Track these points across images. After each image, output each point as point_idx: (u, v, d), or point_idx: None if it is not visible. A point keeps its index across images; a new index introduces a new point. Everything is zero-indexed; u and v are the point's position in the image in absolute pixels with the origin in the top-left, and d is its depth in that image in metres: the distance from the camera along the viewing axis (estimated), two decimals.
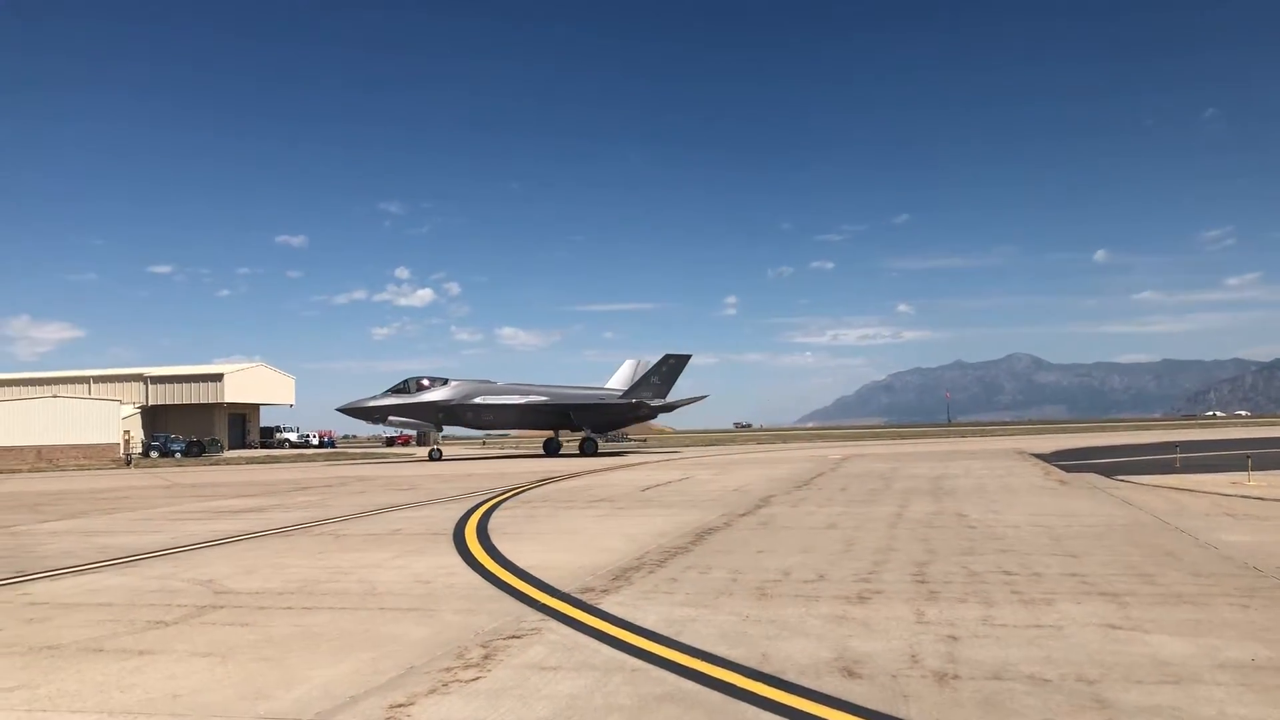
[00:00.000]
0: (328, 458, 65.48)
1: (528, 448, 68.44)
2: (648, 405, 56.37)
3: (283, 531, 15.79)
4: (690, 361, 59.19)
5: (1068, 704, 5.36)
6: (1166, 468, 26.09)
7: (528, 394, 55.87)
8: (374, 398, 52.28)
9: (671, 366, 58.64)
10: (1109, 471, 25.75)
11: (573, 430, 56.34)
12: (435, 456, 51.75)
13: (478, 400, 53.41)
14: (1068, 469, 27.75)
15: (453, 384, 53.31)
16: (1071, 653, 6.46)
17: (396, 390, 52.22)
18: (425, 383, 52.67)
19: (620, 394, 58.10)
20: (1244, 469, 22.06)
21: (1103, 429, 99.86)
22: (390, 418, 52.23)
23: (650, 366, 59.58)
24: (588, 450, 53.19)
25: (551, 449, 56.63)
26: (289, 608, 8.90)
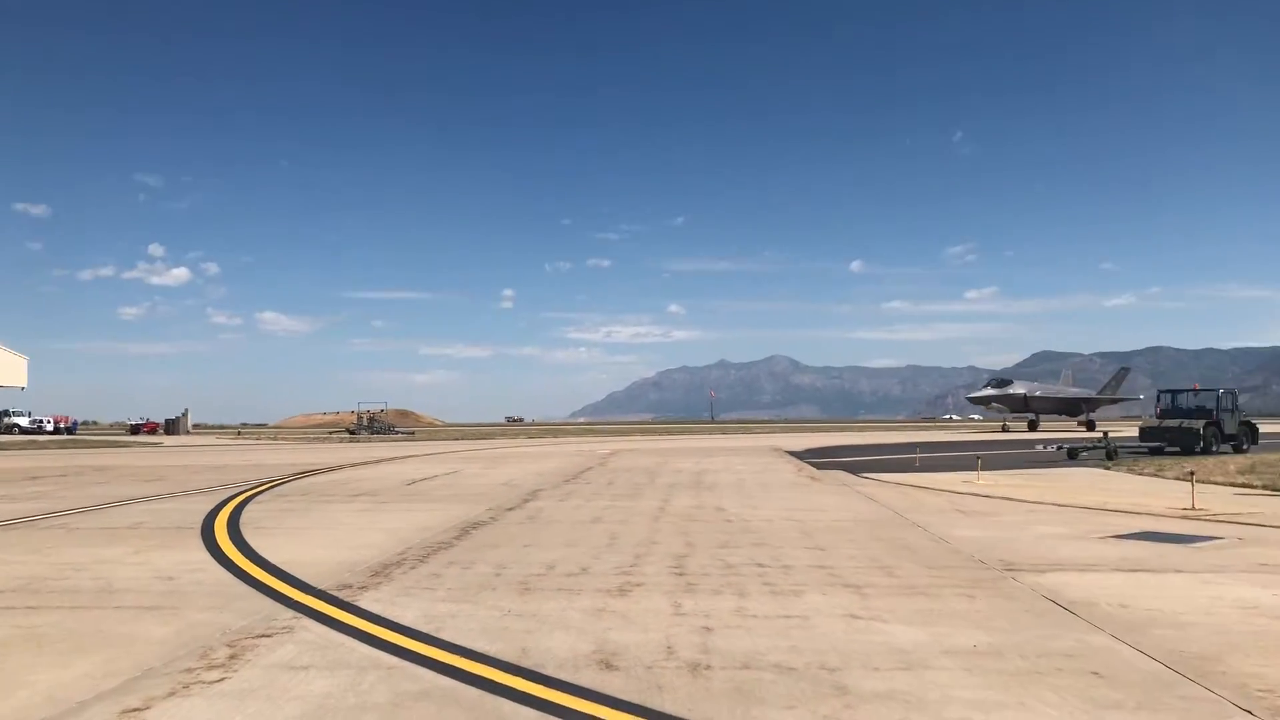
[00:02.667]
0: (63, 445, 60.68)
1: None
2: None
3: (7, 524, 14.50)
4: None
5: (811, 691, 5.65)
6: (907, 466, 27.94)
7: None
8: None
9: None
10: (856, 469, 27.32)
11: None
12: None
13: None
14: (819, 466, 29.24)
15: None
16: (816, 642, 6.80)
17: None
18: None
19: None
20: (975, 468, 23.90)
21: (851, 429, 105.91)
22: None
23: None
24: None
25: None
26: (9, 608, 8.18)
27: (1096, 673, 5.96)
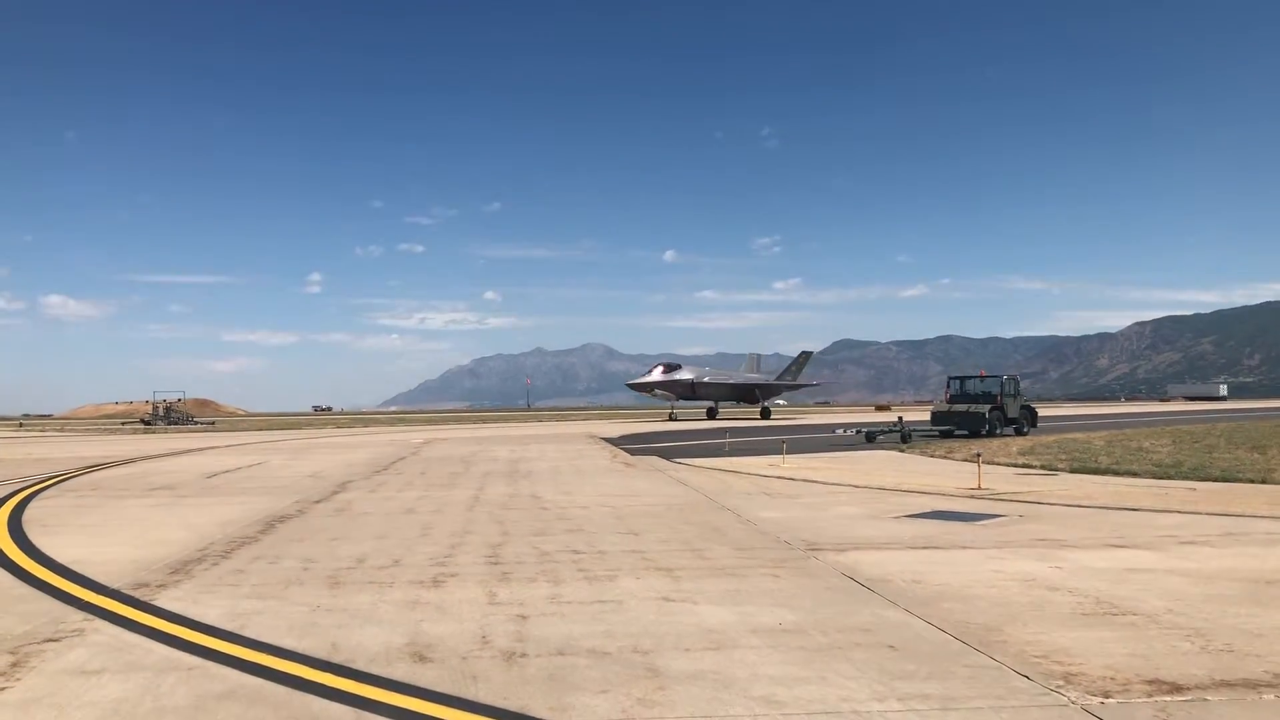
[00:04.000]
0: None
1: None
2: None
3: None
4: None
5: (624, 674, 5.76)
6: (717, 451, 28.69)
7: None
8: None
9: None
10: (669, 454, 27.86)
11: None
12: None
13: None
14: (634, 452, 29.65)
15: None
16: (630, 626, 6.93)
17: None
18: None
19: None
20: (780, 453, 24.76)
21: (664, 414, 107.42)
22: None
23: None
24: None
25: None
26: None
27: (891, 645, 6.32)
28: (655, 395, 78.52)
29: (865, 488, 16.86)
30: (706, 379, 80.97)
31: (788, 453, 24.67)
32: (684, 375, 78.20)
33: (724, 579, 8.65)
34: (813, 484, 17.73)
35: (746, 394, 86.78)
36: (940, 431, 36.11)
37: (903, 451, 27.72)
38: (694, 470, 21.56)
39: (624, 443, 36.62)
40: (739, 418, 78.85)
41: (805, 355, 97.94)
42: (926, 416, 40.67)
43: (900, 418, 38.56)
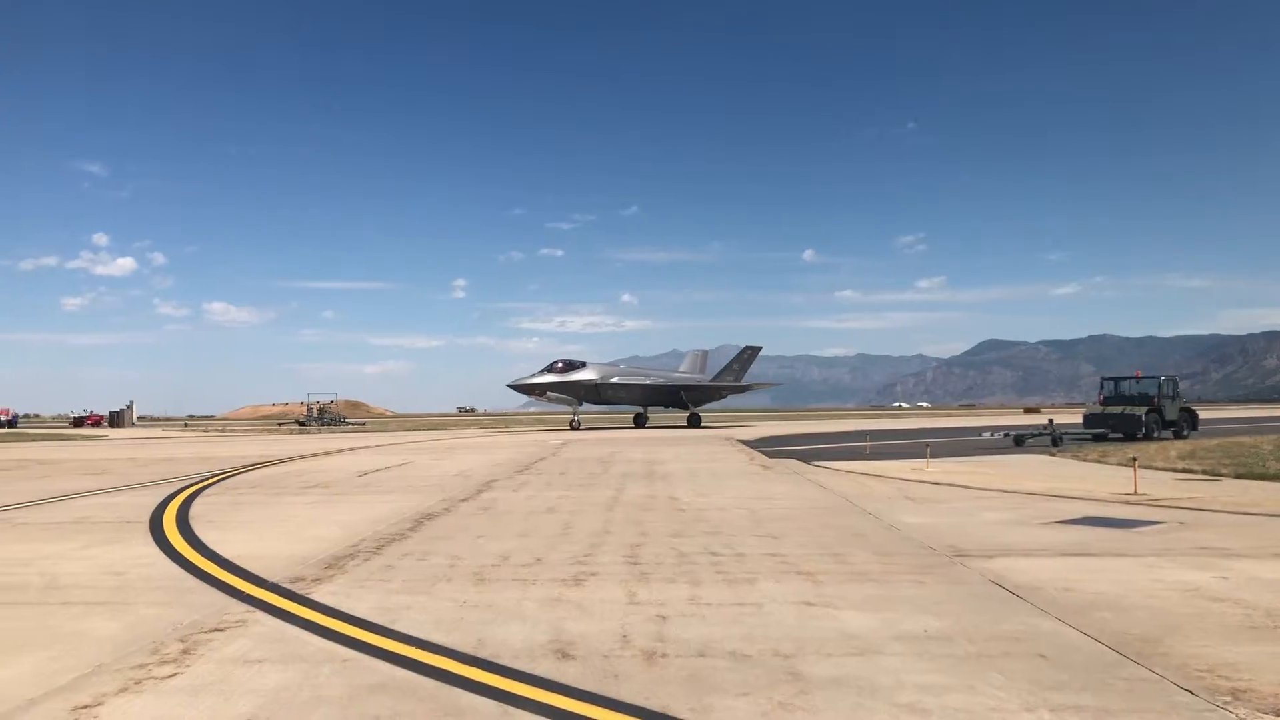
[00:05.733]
0: (4, 438, 59.38)
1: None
2: None
3: None
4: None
5: (765, 677, 5.72)
6: (857, 454, 28.21)
7: None
8: None
9: None
10: (807, 457, 27.53)
11: None
12: None
13: None
14: (770, 455, 29.40)
15: None
16: (770, 629, 6.88)
17: None
18: None
19: None
20: (924, 456, 24.21)
21: (802, 417, 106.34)
22: None
23: None
24: None
25: None
26: None
27: (1043, 655, 6.10)
28: (548, 399, 65.59)
29: (1014, 492, 16.33)
30: (615, 380, 67.94)
31: (931, 456, 24.10)
32: (585, 376, 65.46)
33: (866, 584, 8.50)
34: (958, 488, 17.26)
35: (669, 397, 72.14)
36: (1093, 435, 34.77)
37: (1053, 455, 26.75)
38: (833, 473, 21.25)
39: (760, 445, 36.40)
40: (843, 417, 77.27)
41: (749, 351, 79.93)
42: (1078, 419, 39.18)
43: (1050, 420, 37.26)
